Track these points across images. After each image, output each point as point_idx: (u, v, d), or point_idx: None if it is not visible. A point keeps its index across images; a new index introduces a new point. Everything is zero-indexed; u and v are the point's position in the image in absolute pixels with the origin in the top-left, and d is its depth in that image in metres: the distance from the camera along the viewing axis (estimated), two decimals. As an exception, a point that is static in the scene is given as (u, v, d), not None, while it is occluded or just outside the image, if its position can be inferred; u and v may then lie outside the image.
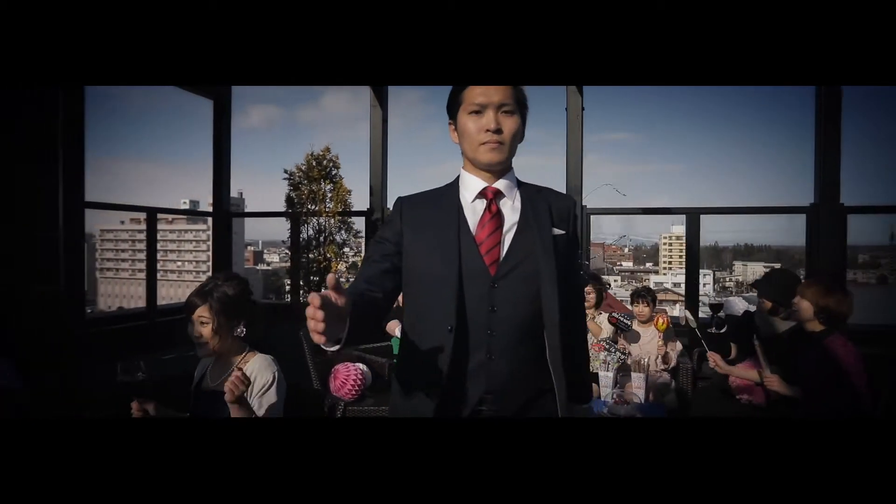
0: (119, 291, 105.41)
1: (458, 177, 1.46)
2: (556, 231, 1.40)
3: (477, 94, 1.35)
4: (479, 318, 1.33)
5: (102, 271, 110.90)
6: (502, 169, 1.41)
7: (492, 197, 1.40)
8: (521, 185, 1.46)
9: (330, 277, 1.01)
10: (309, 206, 5.34)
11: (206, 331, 1.91)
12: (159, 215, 4.81)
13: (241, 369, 1.77)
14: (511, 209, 1.41)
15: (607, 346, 3.27)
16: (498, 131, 1.34)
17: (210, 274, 2.53)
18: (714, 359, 3.15)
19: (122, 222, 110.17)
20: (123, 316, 4.83)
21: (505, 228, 1.38)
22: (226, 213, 5.61)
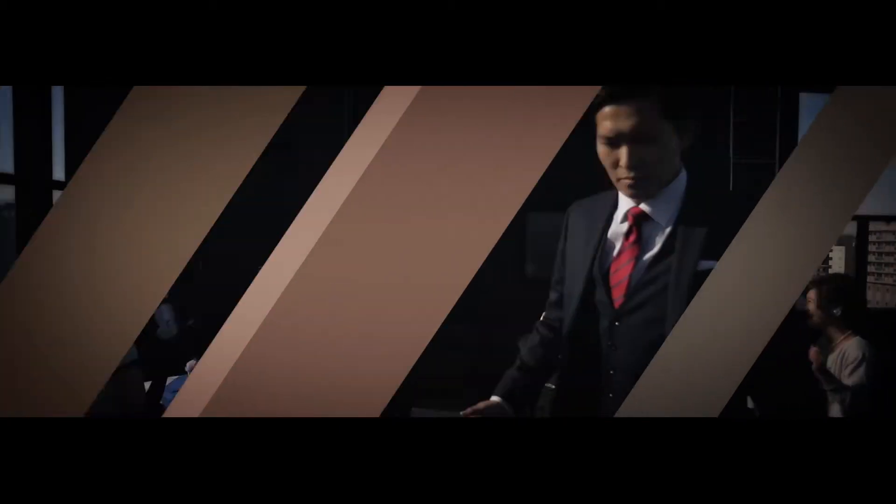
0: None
1: None
2: (706, 264, 1.04)
3: (606, 121, 1.05)
4: (599, 353, 1.16)
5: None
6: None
7: (633, 222, 1.14)
8: (691, 195, 1.12)
9: None
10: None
11: (812, 307, 2.43)
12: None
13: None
14: (658, 233, 1.13)
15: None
16: (635, 167, 1.06)
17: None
18: None
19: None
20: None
21: (644, 256, 1.12)
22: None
